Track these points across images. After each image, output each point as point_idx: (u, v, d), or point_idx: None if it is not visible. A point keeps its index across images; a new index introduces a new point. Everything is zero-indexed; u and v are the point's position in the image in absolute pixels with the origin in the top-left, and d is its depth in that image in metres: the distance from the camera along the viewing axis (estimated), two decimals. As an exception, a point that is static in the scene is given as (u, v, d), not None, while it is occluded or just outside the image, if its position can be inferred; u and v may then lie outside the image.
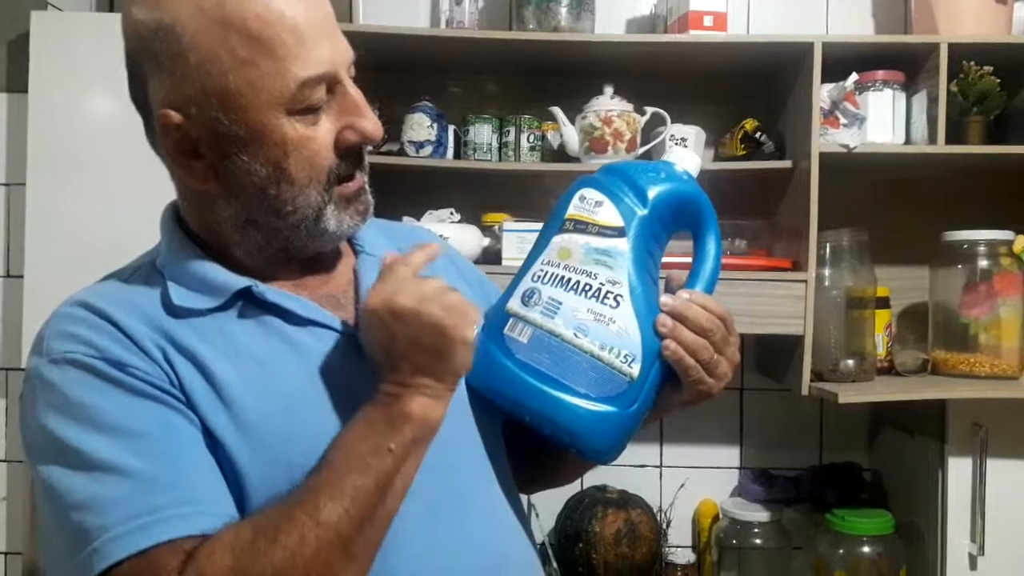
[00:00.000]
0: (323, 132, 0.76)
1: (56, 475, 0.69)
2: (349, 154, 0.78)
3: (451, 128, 1.86)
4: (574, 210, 0.85)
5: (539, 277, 0.84)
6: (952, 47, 1.68)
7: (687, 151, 0.86)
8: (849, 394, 1.62)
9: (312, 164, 0.76)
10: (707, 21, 1.74)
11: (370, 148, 0.82)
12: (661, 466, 2.04)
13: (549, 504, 1.86)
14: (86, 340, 0.72)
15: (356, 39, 1.67)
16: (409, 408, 0.72)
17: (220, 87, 0.72)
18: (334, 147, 0.77)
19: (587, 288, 0.82)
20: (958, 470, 1.67)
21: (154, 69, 0.74)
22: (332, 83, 0.75)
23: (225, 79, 0.71)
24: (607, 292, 0.81)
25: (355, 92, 0.77)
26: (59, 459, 0.69)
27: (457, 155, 1.88)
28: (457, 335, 0.72)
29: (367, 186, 0.83)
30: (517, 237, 1.72)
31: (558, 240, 0.85)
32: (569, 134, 1.82)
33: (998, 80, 1.72)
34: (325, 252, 0.85)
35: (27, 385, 0.74)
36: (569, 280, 0.82)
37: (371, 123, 0.77)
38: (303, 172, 0.75)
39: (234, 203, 0.77)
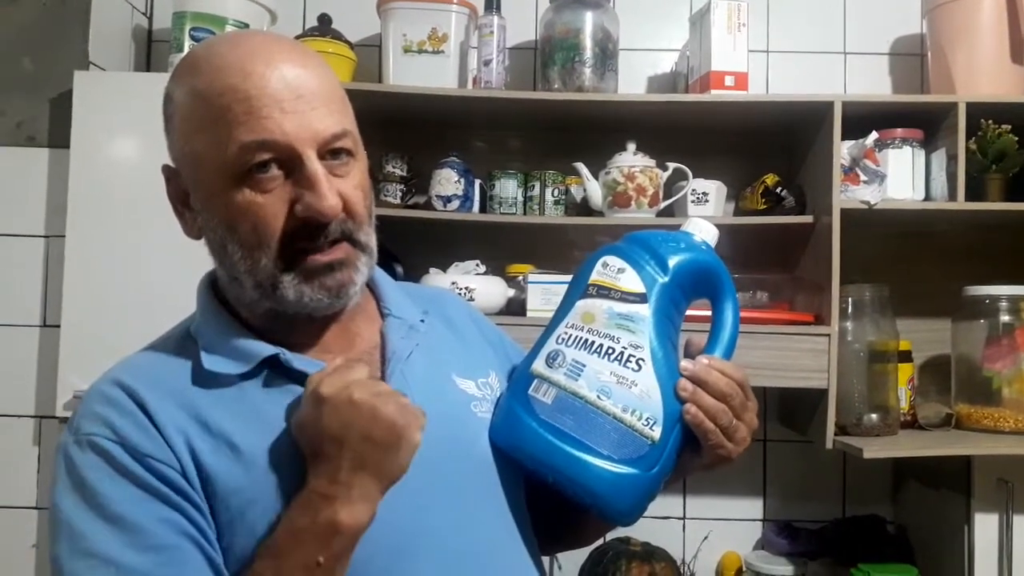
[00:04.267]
0: (272, 201, 0.77)
1: (62, 554, 0.73)
2: (309, 227, 0.78)
3: (477, 183, 1.92)
4: (597, 276, 0.88)
5: (563, 340, 0.86)
6: (970, 106, 1.71)
7: (705, 222, 0.88)
8: (874, 449, 1.62)
9: (258, 230, 0.77)
10: (728, 81, 1.78)
11: (344, 222, 0.80)
12: (684, 518, 2.04)
13: (572, 556, 1.86)
14: (110, 424, 0.76)
15: (386, 99, 1.78)
16: (339, 517, 0.71)
17: (189, 149, 0.80)
18: (290, 218, 0.77)
19: (610, 351, 0.83)
20: (984, 526, 1.66)
21: (165, 127, 0.84)
22: (288, 155, 0.77)
23: (191, 142, 0.79)
24: (629, 356, 0.83)
25: (315, 168, 0.76)
26: (67, 540, 0.73)
27: (483, 209, 1.92)
28: (408, 434, 0.73)
29: (353, 263, 0.81)
30: (541, 288, 1.75)
31: (582, 304, 0.87)
32: (593, 189, 1.86)
33: (1016, 138, 1.74)
34: (339, 315, 0.85)
35: (56, 458, 0.78)
36: (592, 343, 0.84)
37: (324, 200, 0.76)
38: (251, 236, 0.78)
39: (215, 258, 0.83)
